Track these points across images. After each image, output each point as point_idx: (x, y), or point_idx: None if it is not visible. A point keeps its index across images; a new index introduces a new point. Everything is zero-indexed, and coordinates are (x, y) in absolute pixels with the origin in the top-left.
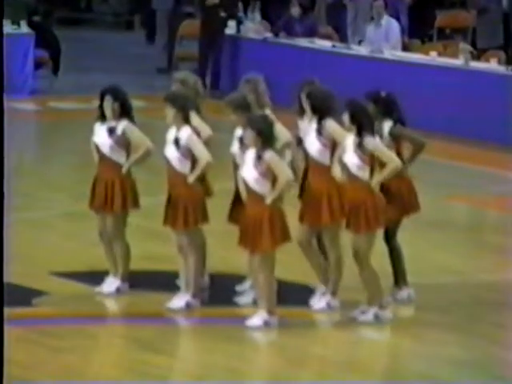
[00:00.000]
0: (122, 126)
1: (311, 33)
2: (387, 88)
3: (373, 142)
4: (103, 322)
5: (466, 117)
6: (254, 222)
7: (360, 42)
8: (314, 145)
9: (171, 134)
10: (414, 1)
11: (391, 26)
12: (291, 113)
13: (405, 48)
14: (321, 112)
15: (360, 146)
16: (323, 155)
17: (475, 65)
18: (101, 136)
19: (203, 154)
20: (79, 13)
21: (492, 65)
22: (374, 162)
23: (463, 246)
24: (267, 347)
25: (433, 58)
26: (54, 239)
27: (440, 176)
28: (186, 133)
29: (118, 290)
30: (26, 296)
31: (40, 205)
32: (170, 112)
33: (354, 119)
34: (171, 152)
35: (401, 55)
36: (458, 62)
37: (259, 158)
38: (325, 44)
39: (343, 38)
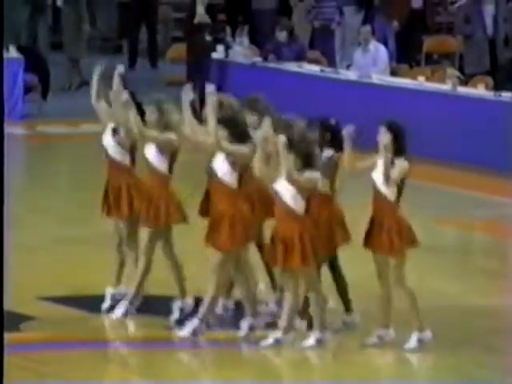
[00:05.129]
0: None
1: (299, 57)
2: (376, 113)
3: (403, 166)
4: (91, 346)
5: (454, 142)
6: (220, 218)
7: (348, 67)
8: (287, 191)
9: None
10: (401, 26)
11: (379, 51)
12: None
13: (393, 73)
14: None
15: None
16: (296, 202)
17: (463, 90)
18: (106, 137)
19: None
20: None
21: (479, 90)
22: (402, 183)
23: (451, 270)
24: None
25: (420, 82)
26: (42, 263)
27: (428, 200)
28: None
29: (126, 314)
30: (14, 321)
31: (28, 229)
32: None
33: (396, 140)
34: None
35: (389, 80)
36: (445, 87)
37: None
38: (313, 68)
39: (331, 63)
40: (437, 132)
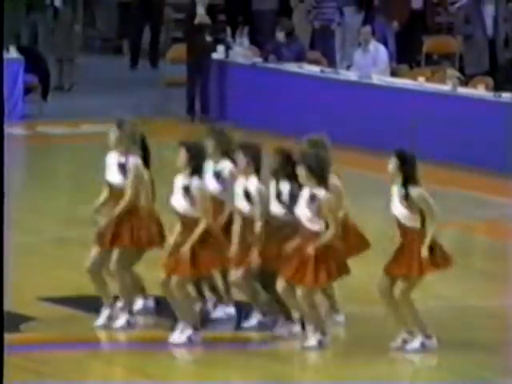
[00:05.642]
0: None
1: (299, 58)
2: (376, 113)
3: (418, 193)
4: (90, 346)
5: (454, 142)
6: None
7: (348, 67)
8: (304, 213)
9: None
10: (401, 26)
11: (379, 52)
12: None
13: (393, 73)
14: (318, 179)
15: (406, 197)
16: (314, 223)
17: (463, 90)
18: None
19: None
20: None
21: (479, 91)
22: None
23: (452, 271)
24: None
25: (421, 83)
26: (43, 264)
27: None
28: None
29: (128, 324)
30: (14, 322)
31: (28, 230)
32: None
33: (401, 168)
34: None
35: (389, 80)
36: (445, 87)
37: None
38: (313, 69)
39: (331, 63)
40: (437, 132)
